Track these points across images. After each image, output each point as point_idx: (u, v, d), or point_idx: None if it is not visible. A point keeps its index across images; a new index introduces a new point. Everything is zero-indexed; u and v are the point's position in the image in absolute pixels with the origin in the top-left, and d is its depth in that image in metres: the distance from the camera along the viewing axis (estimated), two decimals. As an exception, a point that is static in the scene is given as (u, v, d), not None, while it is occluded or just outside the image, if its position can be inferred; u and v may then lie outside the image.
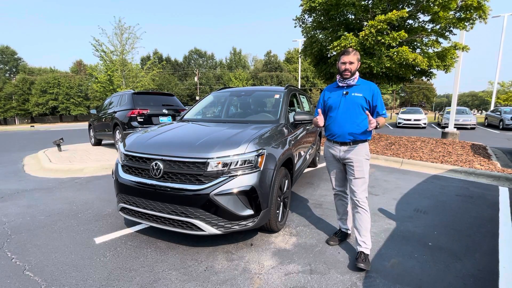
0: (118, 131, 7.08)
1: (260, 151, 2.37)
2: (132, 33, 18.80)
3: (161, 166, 2.30)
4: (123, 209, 2.58)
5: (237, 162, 2.27)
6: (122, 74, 19.21)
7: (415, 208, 3.45)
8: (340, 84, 2.34)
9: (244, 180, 2.24)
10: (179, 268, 2.19)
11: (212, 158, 2.23)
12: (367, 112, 2.14)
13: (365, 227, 2.29)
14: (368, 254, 2.25)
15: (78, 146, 8.95)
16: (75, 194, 4.08)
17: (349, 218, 2.63)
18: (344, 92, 2.31)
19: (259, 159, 2.35)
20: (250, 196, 2.25)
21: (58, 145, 7.70)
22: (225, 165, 2.24)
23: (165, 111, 7.21)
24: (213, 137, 2.52)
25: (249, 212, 2.27)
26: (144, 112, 6.82)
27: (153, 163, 2.34)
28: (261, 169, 2.34)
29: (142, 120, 6.78)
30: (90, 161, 6.09)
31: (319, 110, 2.39)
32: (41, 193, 4.16)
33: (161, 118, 7.08)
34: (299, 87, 32.34)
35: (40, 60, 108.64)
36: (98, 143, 8.91)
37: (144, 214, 2.42)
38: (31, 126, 31.72)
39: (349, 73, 2.25)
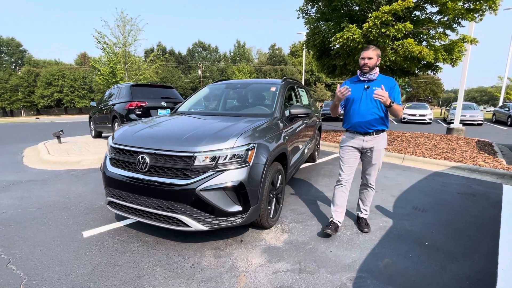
0: (116, 123, 7.03)
1: (250, 145, 2.29)
2: (135, 25, 18.59)
3: (147, 159, 2.23)
4: (110, 203, 2.53)
5: (226, 156, 2.18)
6: (124, 67, 19.12)
7: (414, 205, 3.35)
8: (361, 78, 2.49)
9: (233, 175, 2.15)
10: (164, 264, 2.13)
11: (199, 152, 2.14)
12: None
13: (369, 200, 2.75)
14: (367, 219, 2.77)
15: (79, 138, 8.97)
16: (69, 186, 4.06)
17: (342, 212, 2.68)
18: (366, 86, 2.46)
19: (249, 154, 2.26)
20: (238, 191, 2.17)
21: (58, 137, 7.70)
22: (213, 159, 2.16)
23: (164, 103, 7.14)
24: (202, 131, 2.43)
25: (238, 208, 2.19)
26: (143, 104, 6.76)
27: (140, 156, 2.27)
28: (251, 164, 2.25)
29: (140, 112, 6.72)
30: (88, 154, 6.07)
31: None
32: (36, 185, 4.15)
33: (160, 111, 7.01)
34: (303, 81, 31.94)
35: (45, 52, 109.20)
36: (98, 135, 8.90)
37: (131, 209, 2.36)
38: (36, 118, 32.08)
39: (367, 68, 2.41)
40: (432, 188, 4.02)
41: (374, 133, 2.48)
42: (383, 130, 2.52)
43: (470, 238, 2.58)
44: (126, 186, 2.33)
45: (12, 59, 47.51)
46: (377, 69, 2.47)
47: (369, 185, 2.67)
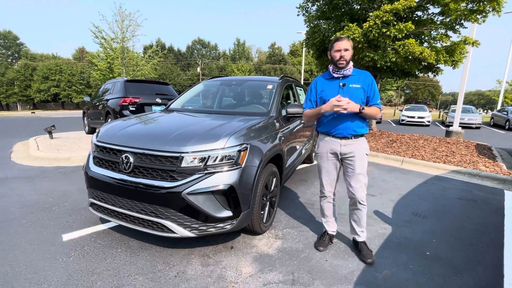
0: (110, 119, 6.85)
1: (243, 145, 2.13)
2: (133, 20, 18.31)
3: (131, 159, 2.07)
4: (92, 205, 2.37)
5: (216, 157, 2.03)
6: (122, 62, 18.83)
7: (414, 211, 3.21)
8: (335, 75, 2.16)
9: (223, 178, 2.00)
10: (147, 272, 1.98)
11: (187, 152, 1.99)
12: (339, 98, 2.02)
13: (363, 220, 2.30)
14: (366, 242, 2.33)
15: (71, 134, 8.76)
16: (55, 184, 3.88)
17: (334, 221, 2.48)
18: (341, 84, 2.14)
19: (241, 155, 2.11)
20: (228, 196, 2.02)
21: (50, 132, 7.49)
22: (201, 160, 2.00)
23: (158, 100, 6.96)
24: (191, 129, 2.27)
25: (227, 213, 2.04)
26: (137, 100, 6.57)
27: (123, 155, 2.11)
28: (243, 166, 2.10)
29: (134, 109, 6.53)
30: (79, 150, 5.88)
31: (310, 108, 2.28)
32: (20, 182, 3.96)
33: (154, 108, 6.83)
34: (303, 80, 31.71)
35: (43, 46, 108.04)
36: (92, 131, 8.68)
37: (113, 212, 2.20)
38: (32, 112, 31.64)
39: (344, 62, 2.08)
40: (432, 193, 3.89)
41: (352, 137, 2.17)
42: (362, 135, 2.22)
43: (473, 248, 2.45)
44: (109, 187, 2.16)
45: (9, 52, 46.81)
46: (351, 63, 2.15)
47: (360, 202, 2.23)
